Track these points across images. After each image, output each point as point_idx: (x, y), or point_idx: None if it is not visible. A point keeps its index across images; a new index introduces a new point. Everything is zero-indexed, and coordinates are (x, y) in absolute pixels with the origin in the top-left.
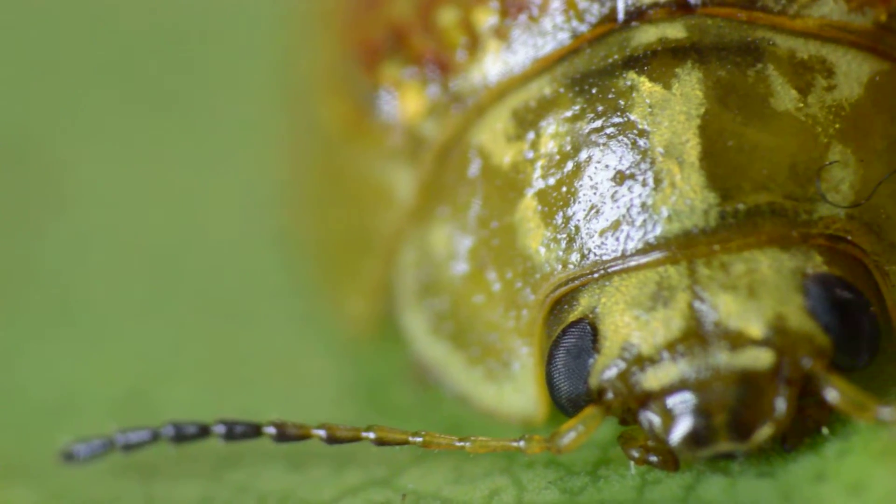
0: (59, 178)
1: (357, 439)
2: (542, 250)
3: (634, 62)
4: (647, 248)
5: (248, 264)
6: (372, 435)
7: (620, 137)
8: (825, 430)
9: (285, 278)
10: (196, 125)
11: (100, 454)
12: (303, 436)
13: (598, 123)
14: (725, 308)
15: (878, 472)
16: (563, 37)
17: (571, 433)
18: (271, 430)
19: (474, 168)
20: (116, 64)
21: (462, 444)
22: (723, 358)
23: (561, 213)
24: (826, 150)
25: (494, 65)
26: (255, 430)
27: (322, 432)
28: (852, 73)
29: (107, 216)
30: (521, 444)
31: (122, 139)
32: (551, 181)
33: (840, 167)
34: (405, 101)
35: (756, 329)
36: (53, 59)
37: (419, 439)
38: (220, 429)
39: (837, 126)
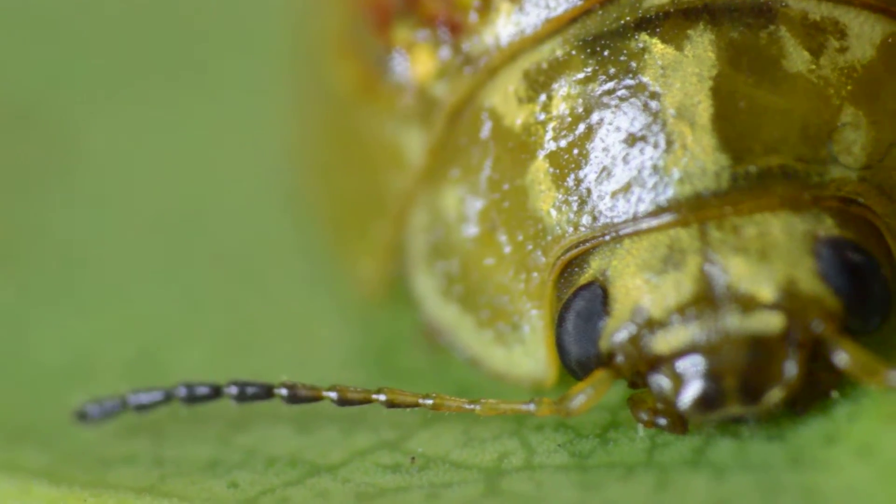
0: (69, 142)
1: (368, 401)
2: (554, 212)
3: (646, 23)
4: (659, 211)
5: (259, 227)
6: (382, 397)
7: (632, 99)
8: (835, 394)
9: (297, 241)
10: (208, 88)
11: (112, 415)
12: (314, 397)
13: (610, 85)
14: (736, 271)
15: (888, 436)
16: None
17: (581, 396)
18: (283, 392)
19: (486, 130)
20: (127, 27)
21: (472, 406)
22: (733, 321)
23: (572, 176)
24: (838, 112)
25: (506, 26)
26: (266, 392)
27: (333, 394)
28: (864, 34)
29: (118, 179)
30: (532, 406)
31: (132, 102)
32: (563, 143)
33: (852, 129)
34: (417, 63)
35: (767, 292)
36: (63, 22)
37: (429, 401)
38: (232, 390)
39: (849, 88)
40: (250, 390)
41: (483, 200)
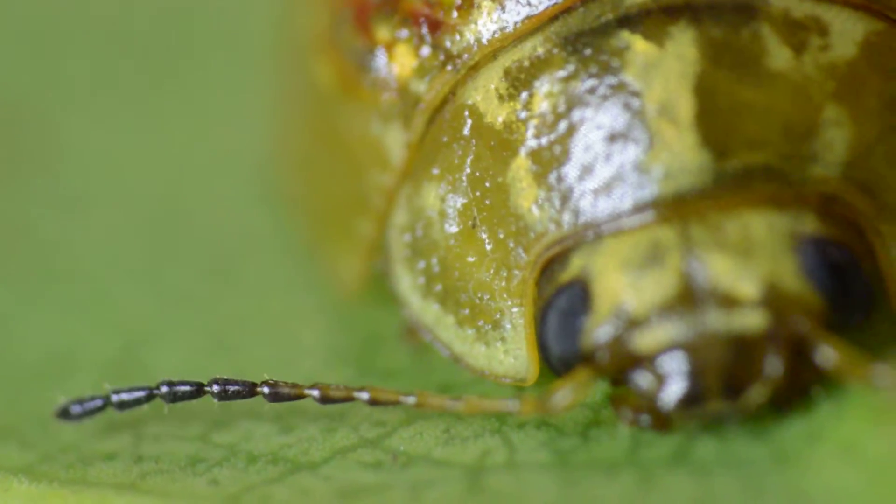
0: (52, 141)
1: (350, 399)
2: (535, 210)
3: (628, 21)
4: (640, 209)
5: (241, 225)
6: (365, 395)
7: (614, 97)
8: (819, 392)
9: (279, 239)
10: (191, 86)
11: (95, 412)
12: (296, 395)
13: (592, 83)
14: (718, 269)
15: (872, 434)
16: None
17: (563, 394)
18: (265, 390)
19: (467, 128)
20: (110, 25)
21: (454, 404)
22: (715, 319)
23: (554, 173)
24: (820, 109)
25: (487, 24)
26: (249, 390)
27: (315, 392)
28: (847, 32)
29: (100, 178)
30: (514, 404)
31: (116, 100)
32: (544, 141)
33: (834, 127)
34: (398, 61)
35: (749, 290)
36: (46, 22)
37: (412, 399)
38: (215, 388)
39: (832, 86)
40: (232, 388)
41: (464, 198)
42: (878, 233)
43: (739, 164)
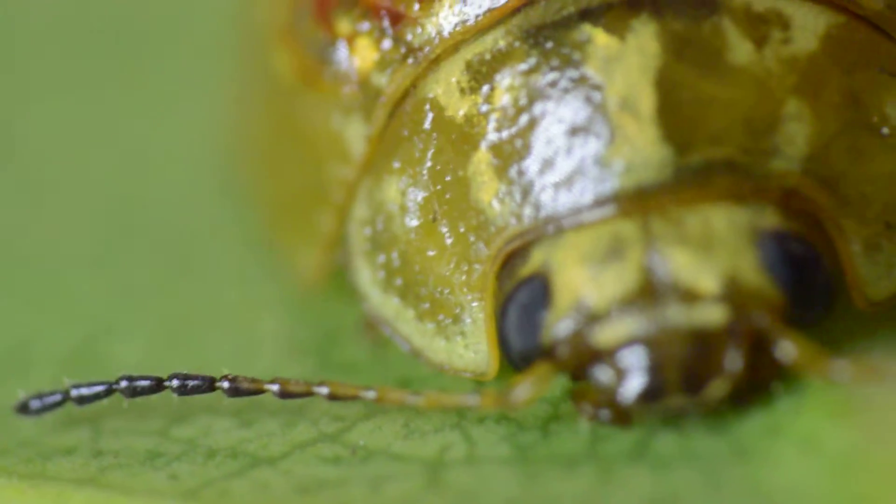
0: (7, 132)
1: (309, 394)
2: (496, 204)
3: (589, 14)
4: (601, 202)
5: (200, 218)
6: (324, 390)
7: (575, 91)
8: (778, 386)
9: (238, 232)
10: (149, 76)
11: (54, 407)
12: (256, 390)
13: (553, 76)
14: (679, 263)
15: (831, 428)
16: None
17: (523, 389)
18: (224, 385)
19: (428, 121)
20: (65, 15)
21: (413, 399)
22: (675, 313)
23: (515, 167)
24: (781, 104)
25: (449, 17)
26: (208, 384)
27: (275, 387)
28: (808, 25)
29: (56, 169)
30: (474, 399)
31: (73, 90)
32: (505, 134)
33: (795, 121)
34: (359, 54)
35: (709, 284)
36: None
37: (371, 394)
38: (174, 383)
39: (793, 80)
40: (192, 383)
41: (425, 192)
42: (838, 227)
43: (700, 159)
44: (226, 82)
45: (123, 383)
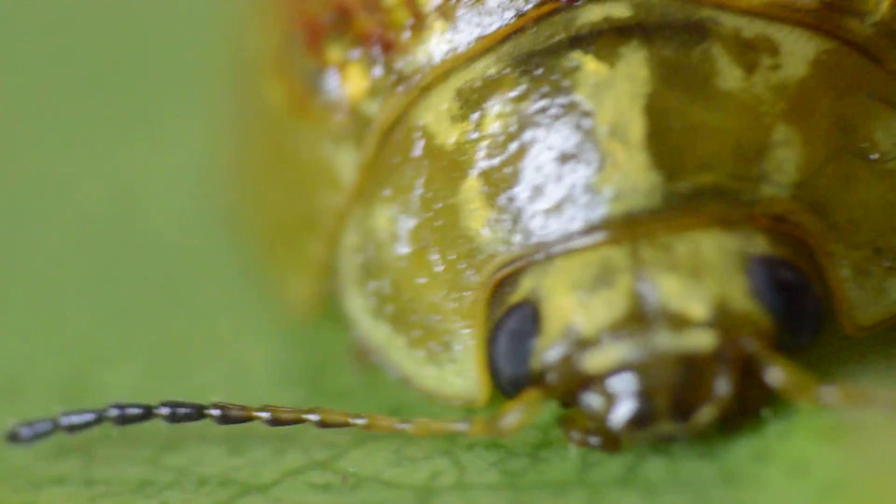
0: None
1: (300, 421)
2: (486, 231)
3: (579, 41)
4: (591, 229)
5: (191, 246)
6: (315, 417)
7: (565, 118)
8: (767, 411)
9: (229, 260)
10: (139, 105)
11: (44, 435)
12: (246, 418)
13: (543, 103)
14: (668, 289)
15: (820, 453)
16: (509, 15)
17: (512, 415)
18: (215, 412)
19: (418, 149)
20: (55, 41)
21: (404, 426)
22: (664, 339)
23: (504, 194)
24: (771, 129)
25: (439, 44)
26: (198, 412)
27: (266, 414)
28: (798, 52)
29: (48, 197)
30: (464, 426)
31: (63, 119)
32: (495, 162)
33: (784, 147)
34: (350, 82)
35: (698, 310)
36: None
37: (362, 421)
38: (164, 410)
39: (782, 106)
40: (182, 411)
41: (415, 219)
42: (827, 252)
43: (690, 185)
44: (217, 110)
45: (114, 411)
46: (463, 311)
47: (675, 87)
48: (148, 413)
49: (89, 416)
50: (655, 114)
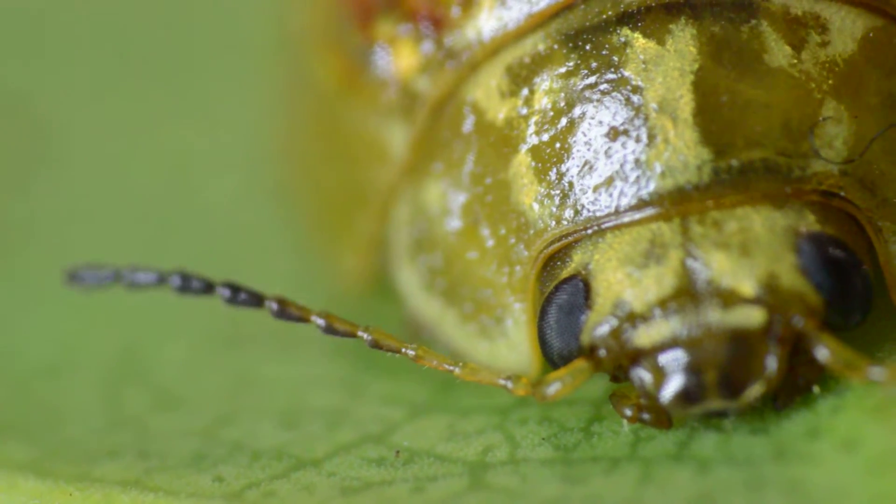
0: (56, 137)
1: (352, 335)
2: (536, 206)
3: (628, 18)
4: (641, 205)
5: (243, 222)
6: (368, 336)
7: (614, 93)
8: (818, 387)
9: (281, 235)
10: (191, 82)
11: (104, 284)
12: (302, 318)
13: (592, 79)
14: (718, 266)
15: (872, 429)
16: None
17: (558, 383)
18: (273, 306)
19: (468, 124)
20: (114, 23)
21: (452, 367)
22: (714, 316)
23: (555, 169)
24: (819, 106)
25: (489, 20)
26: (257, 300)
27: (321, 321)
28: (846, 29)
29: (101, 174)
30: (508, 383)
31: (119, 97)
32: (545, 137)
33: (833, 123)
34: (400, 58)
35: (748, 287)
36: (52, 17)
37: (412, 352)
38: (225, 292)
39: (831, 82)
40: (242, 296)
41: (466, 194)
42: (877, 229)
43: (739, 161)
44: (268, 87)
45: (176, 279)
46: (514, 285)
47: (724, 64)
48: (209, 288)
49: (151, 277)
50: (705, 90)
